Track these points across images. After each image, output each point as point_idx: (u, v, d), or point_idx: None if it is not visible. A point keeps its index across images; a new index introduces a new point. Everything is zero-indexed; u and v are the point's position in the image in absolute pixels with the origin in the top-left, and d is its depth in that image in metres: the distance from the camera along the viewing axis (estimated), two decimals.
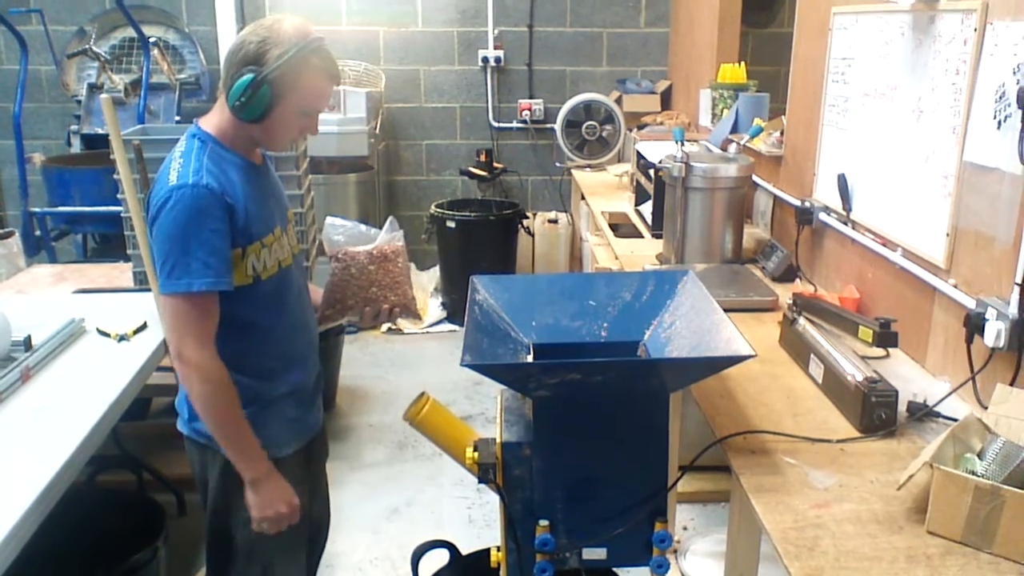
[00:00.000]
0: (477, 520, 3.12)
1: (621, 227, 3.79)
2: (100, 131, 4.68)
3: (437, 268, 5.35)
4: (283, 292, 1.80)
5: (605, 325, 1.87)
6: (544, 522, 1.58)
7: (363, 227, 2.09)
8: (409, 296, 2.08)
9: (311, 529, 2.01)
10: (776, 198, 3.20)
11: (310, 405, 1.93)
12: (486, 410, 3.99)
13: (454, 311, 5.07)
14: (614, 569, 1.95)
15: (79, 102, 4.89)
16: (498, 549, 1.71)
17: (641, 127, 4.77)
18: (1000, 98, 1.78)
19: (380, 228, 2.10)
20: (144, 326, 2.45)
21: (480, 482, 1.61)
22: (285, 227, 1.83)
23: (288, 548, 1.89)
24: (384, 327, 4.92)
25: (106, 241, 4.78)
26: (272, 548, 1.85)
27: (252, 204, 1.69)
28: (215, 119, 1.71)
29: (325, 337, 1.98)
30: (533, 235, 5.38)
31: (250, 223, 1.68)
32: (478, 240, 5.01)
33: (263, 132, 1.70)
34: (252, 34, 1.63)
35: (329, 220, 2.06)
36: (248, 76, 1.60)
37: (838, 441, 1.73)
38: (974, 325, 1.80)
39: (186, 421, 1.83)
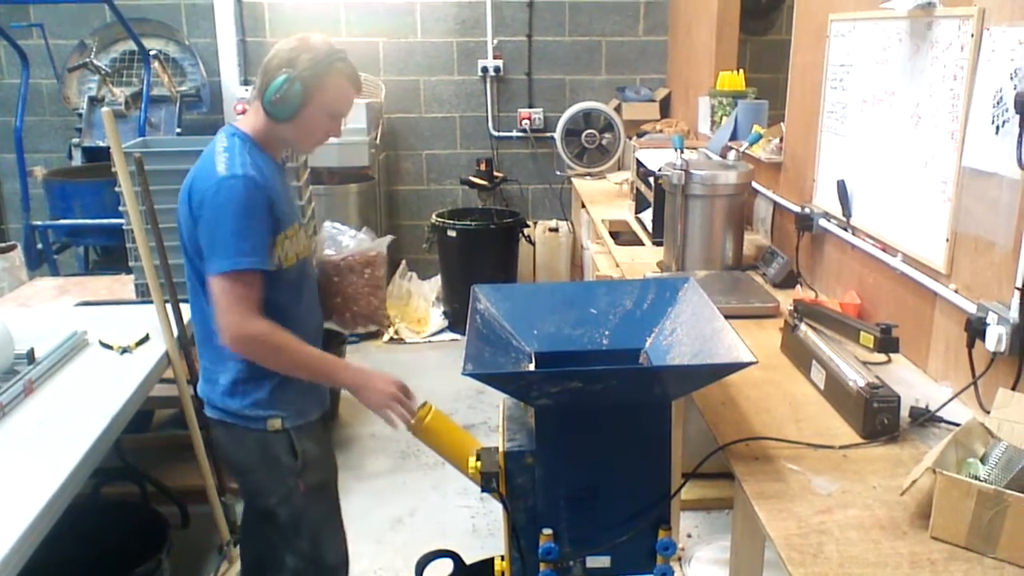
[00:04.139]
0: (481, 529, 3.12)
1: (622, 235, 3.80)
2: (101, 144, 4.69)
3: (438, 277, 5.35)
4: (301, 279, 1.96)
5: (606, 333, 1.87)
6: (548, 531, 1.58)
7: (351, 233, 2.19)
8: (373, 306, 2.22)
9: None
10: (776, 204, 3.20)
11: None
12: (489, 419, 3.99)
13: (455, 320, 5.07)
14: None
15: (80, 115, 4.91)
16: (502, 558, 1.71)
17: (640, 135, 4.78)
18: (998, 103, 1.78)
19: (376, 236, 2.18)
20: (146, 338, 2.46)
21: (483, 491, 1.61)
22: (302, 223, 2.00)
23: (329, 513, 2.03)
24: (386, 336, 4.94)
25: (108, 253, 4.79)
26: (316, 516, 1.96)
27: (279, 198, 1.85)
28: (250, 121, 1.88)
29: (326, 346, 2.04)
30: (534, 243, 5.39)
31: (280, 215, 1.83)
32: (479, 249, 5.02)
33: (295, 131, 1.86)
34: (284, 44, 1.84)
35: (326, 224, 2.18)
36: (283, 76, 1.78)
37: (840, 447, 1.73)
38: (975, 330, 1.81)
39: (213, 405, 1.93)
